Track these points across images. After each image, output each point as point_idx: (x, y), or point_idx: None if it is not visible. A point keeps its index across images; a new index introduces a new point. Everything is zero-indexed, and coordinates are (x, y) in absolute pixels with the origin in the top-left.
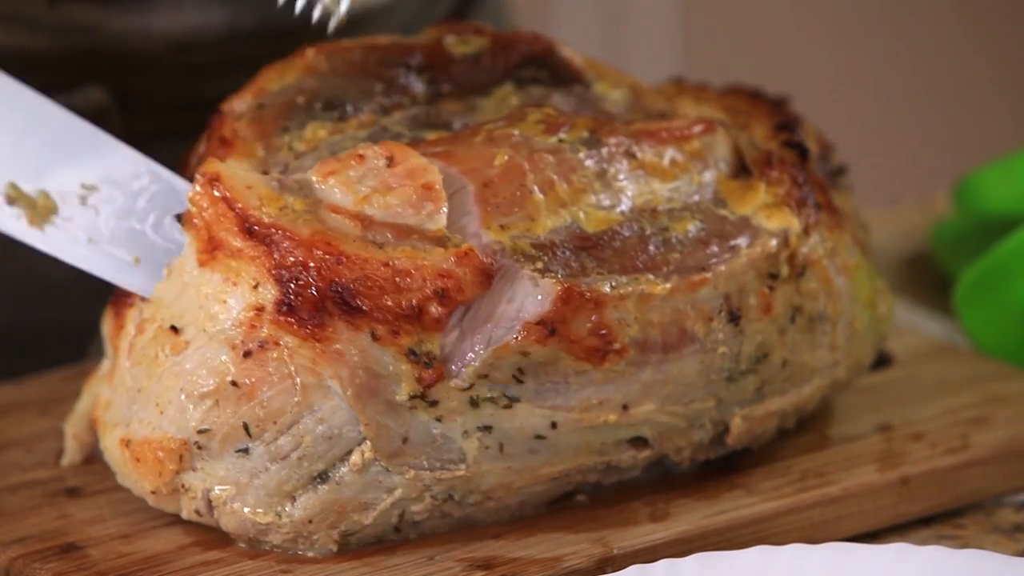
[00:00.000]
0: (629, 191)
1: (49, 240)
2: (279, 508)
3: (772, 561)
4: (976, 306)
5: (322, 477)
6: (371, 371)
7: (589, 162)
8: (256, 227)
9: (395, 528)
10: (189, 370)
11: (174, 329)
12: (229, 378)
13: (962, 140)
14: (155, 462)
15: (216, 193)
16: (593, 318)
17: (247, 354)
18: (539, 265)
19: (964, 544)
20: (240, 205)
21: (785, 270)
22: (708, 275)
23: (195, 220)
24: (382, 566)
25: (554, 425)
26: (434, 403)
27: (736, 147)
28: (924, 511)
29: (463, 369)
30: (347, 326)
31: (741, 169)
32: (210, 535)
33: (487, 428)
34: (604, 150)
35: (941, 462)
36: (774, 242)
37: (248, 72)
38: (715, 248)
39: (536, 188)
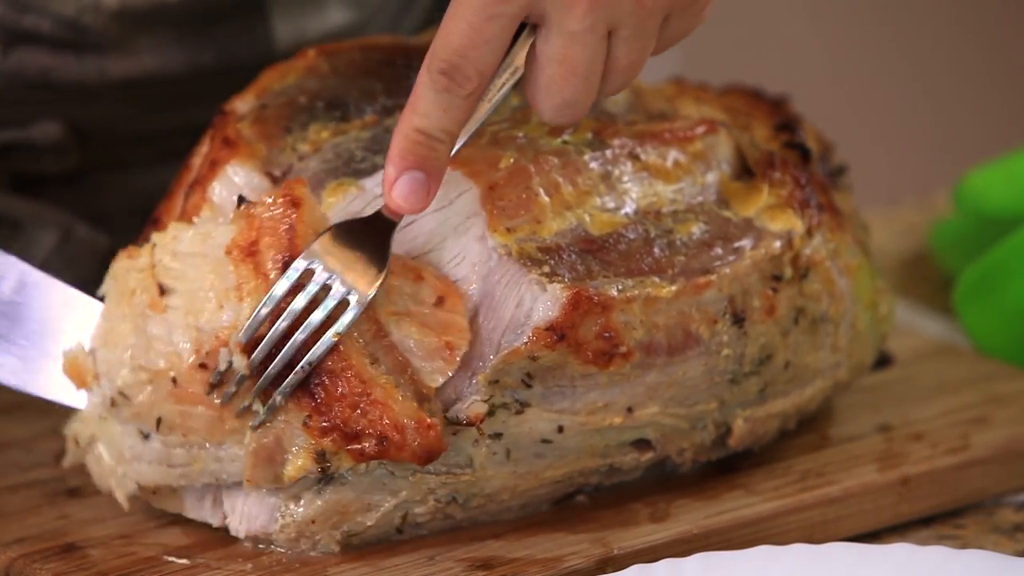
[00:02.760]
0: (633, 193)
1: None
2: (282, 508)
3: (774, 561)
4: (976, 306)
5: (326, 478)
6: (280, 443)
7: (593, 164)
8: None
9: (397, 529)
10: (149, 334)
11: (161, 289)
12: (174, 374)
13: (962, 140)
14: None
15: (286, 214)
16: (600, 322)
17: (203, 366)
18: (545, 269)
19: (964, 544)
20: (299, 242)
21: (788, 272)
22: (713, 277)
23: (254, 217)
24: (383, 566)
25: (560, 429)
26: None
27: (738, 148)
28: (924, 511)
29: (475, 378)
30: (292, 397)
31: (743, 170)
32: (210, 535)
33: (497, 435)
34: (608, 152)
35: (941, 462)
36: (777, 244)
37: (207, 105)
38: (719, 250)
39: (542, 190)
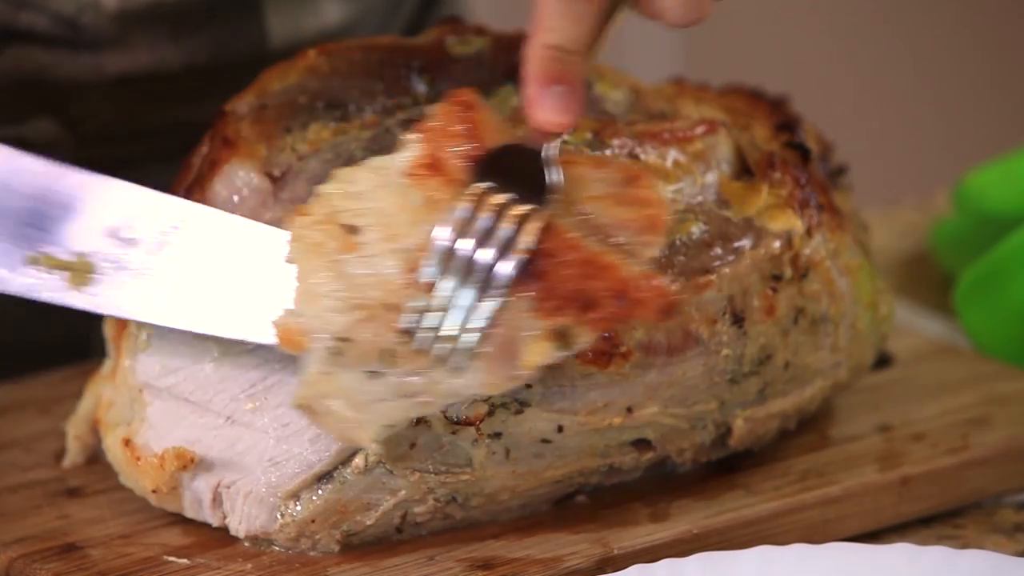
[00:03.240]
0: None
1: (95, 300)
2: (282, 507)
3: (774, 561)
4: (976, 306)
5: (326, 477)
6: (511, 338)
7: None
8: None
9: (397, 528)
10: (352, 275)
11: (349, 228)
12: (390, 301)
13: (962, 140)
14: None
15: (464, 116)
16: None
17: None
18: None
19: (964, 544)
20: (481, 139)
21: (788, 272)
22: (712, 277)
23: (430, 132)
24: (383, 566)
25: (560, 429)
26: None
27: (738, 148)
28: (924, 511)
29: None
30: (515, 283)
31: (743, 170)
32: (210, 535)
33: (497, 435)
34: (608, 152)
35: (941, 462)
36: (777, 244)
37: (203, 101)
38: (719, 250)
39: None
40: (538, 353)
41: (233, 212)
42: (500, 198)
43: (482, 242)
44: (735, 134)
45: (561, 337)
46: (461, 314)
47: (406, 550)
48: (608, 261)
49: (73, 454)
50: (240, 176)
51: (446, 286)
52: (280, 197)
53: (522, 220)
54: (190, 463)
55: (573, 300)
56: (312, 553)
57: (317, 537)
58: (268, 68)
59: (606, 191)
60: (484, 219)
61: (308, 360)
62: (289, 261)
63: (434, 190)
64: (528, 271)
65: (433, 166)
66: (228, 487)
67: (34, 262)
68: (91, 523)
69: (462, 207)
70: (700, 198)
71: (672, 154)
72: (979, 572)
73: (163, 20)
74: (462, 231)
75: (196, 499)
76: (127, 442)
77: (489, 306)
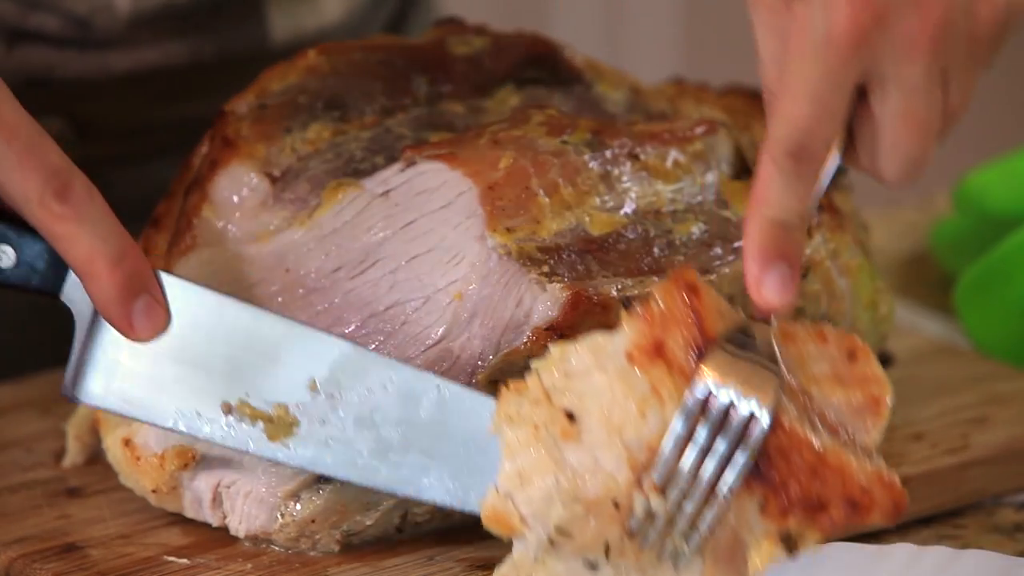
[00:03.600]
0: (633, 193)
1: (293, 454)
2: (282, 507)
3: None
4: (976, 306)
5: (326, 477)
6: (737, 538)
7: (593, 164)
8: None
9: (397, 528)
10: (573, 465)
11: (569, 416)
12: (614, 497)
13: (962, 140)
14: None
15: (687, 300)
16: (600, 321)
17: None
18: (545, 269)
19: (964, 544)
20: (706, 326)
21: None
22: (712, 277)
23: (652, 314)
24: (383, 566)
25: None
26: None
27: (738, 148)
28: (924, 511)
29: (475, 378)
30: (743, 485)
31: (743, 170)
32: (210, 535)
33: None
34: (607, 152)
35: (941, 462)
36: None
37: (207, 97)
38: (719, 250)
39: (541, 191)
40: (765, 555)
41: (233, 212)
42: (728, 395)
43: (711, 443)
44: (735, 134)
45: (788, 539)
46: (689, 515)
47: (406, 550)
48: (838, 462)
49: (73, 454)
50: (240, 176)
51: (675, 489)
52: (280, 197)
53: (751, 419)
54: (191, 461)
55: (803, 503)
56: (312, 553)
57: (317, 537)
58: (268, 67)
59: (827, 370)
60: (712, 419)
61: (519, 544)
62: (496, 433)
63: (658, 379)
64: (757, 470)
65: (658, 352)
66: (228, 487)
67: (228, 410)
68: (91, 523)
69: (689, 406)
70: (700, 198)
71: (672, 154)
72: (979, 572)
73: (170, 19)
74: (691, 432)
75: (196, 499)
76: (127, 442)
77: (717, 508)
